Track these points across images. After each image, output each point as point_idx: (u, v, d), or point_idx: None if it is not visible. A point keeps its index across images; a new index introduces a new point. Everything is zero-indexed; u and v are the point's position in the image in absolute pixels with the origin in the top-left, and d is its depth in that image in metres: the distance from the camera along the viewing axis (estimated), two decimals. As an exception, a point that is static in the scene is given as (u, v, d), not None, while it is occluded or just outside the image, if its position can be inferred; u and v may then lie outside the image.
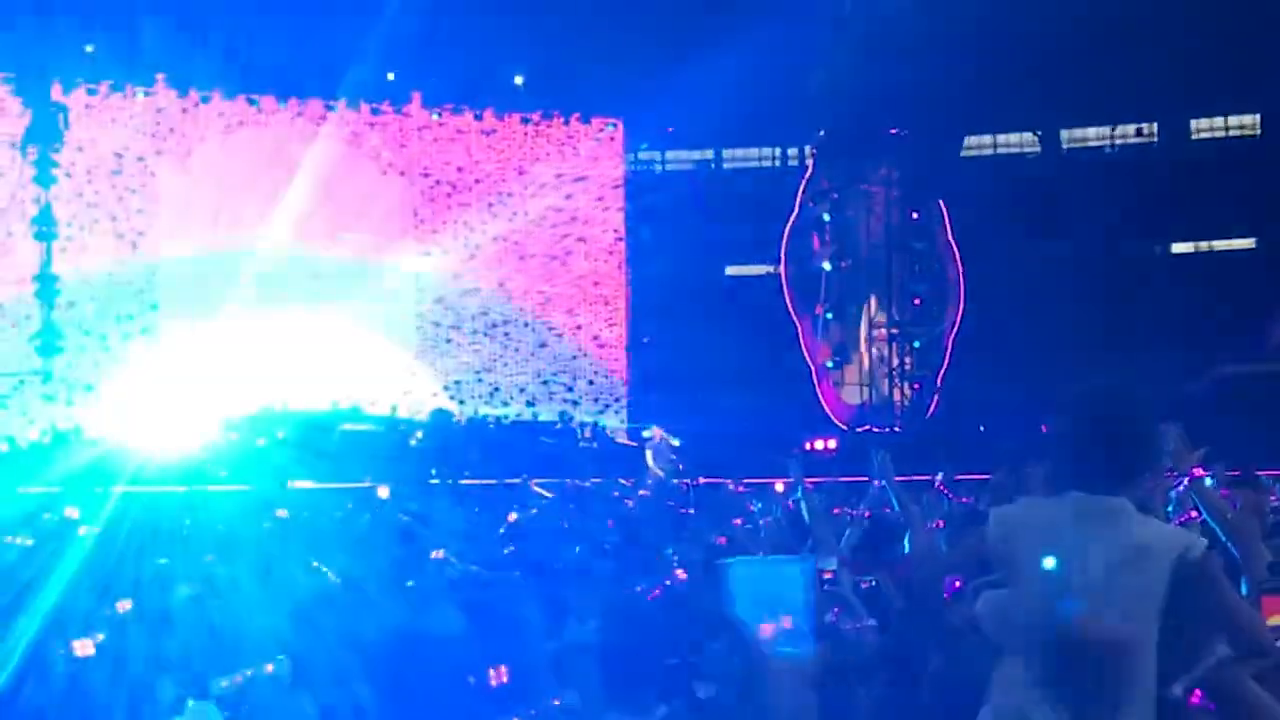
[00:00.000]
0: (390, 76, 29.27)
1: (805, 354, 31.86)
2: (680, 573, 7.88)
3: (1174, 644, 4.14)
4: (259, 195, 28.72)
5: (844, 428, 30.84)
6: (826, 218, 31.90)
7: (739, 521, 10.92)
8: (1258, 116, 32.82)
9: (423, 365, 30.36)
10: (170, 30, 26.51)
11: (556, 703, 5.60)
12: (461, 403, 29.89)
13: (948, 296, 31.48)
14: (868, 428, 30.62)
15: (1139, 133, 33.46)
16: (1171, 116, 32.96)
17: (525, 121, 31.29)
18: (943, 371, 31.43)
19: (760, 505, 12.92)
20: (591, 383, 31.65)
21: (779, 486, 14.17)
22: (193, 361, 27.27)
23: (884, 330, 31.77)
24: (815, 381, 31.86)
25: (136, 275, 27.96)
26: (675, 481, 19.60)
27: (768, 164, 34.97)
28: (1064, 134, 33.83)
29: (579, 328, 31.66)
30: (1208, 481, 6.13)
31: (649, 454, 24.07)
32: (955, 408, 30.26)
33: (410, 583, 7.26)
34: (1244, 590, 5.20)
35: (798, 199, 32.08)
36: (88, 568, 7.32)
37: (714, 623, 6.18)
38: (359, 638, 6.26)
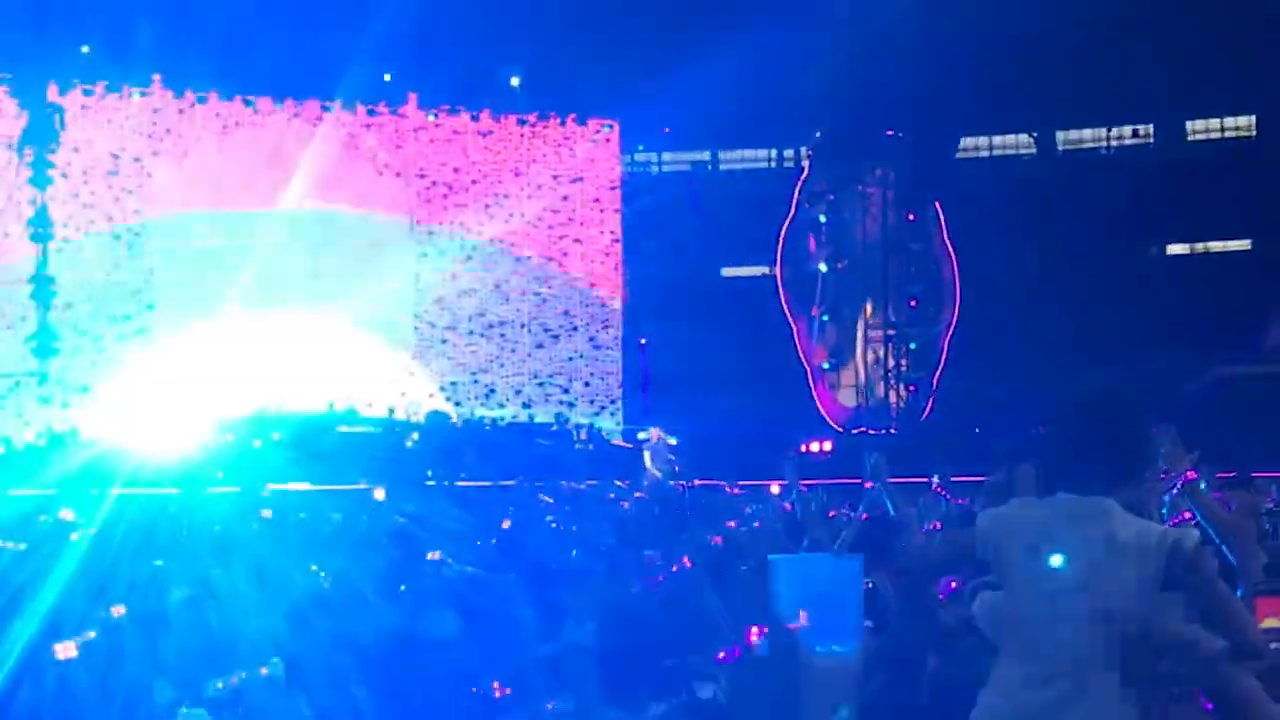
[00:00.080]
0: (387, 77, 29.26)
1: (801, 355, 31.88)
2: (686, 561, 7.90)
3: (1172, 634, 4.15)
4: (255, 196, 28.71)
5: (839, 429, 30.84)
6: (823, 219, 31.93)
7: (733, 524, 10.92)
8: (1253, 118, 32.85)
9: (419, 366, 30.34)
10: (166, 31, 26.51)
11: (550, 706, 5.60)
12: (458, 404, 29.87)
13: (943, 298, 31.50)
14: (863, 429, 30.63)
15: (1135, 134, 33.49)
16: (1167, 118, 32.99)
17: (522, 123, 31.27)
18: (938, 373, 31.44)
19: (756, 507, 12.93)
20: (587, 384, 31.64)
21: (774, 488, 14.19)
22: (189, 363, 27.24)
23: (880, 332, 31.78)
24: (811, 383, 31.87)
25: (132, 276, 27.91)
26: (672, 483, 19.60)
27: (764, 165, 34.96)
28: (1060, 135, 33.85)
29: (575, 329, 31.64)
30: (1202, 484, 6.12)
31: (647, 455, 24.06)
32: (951, 409, 30.26)
33: (404, 586, 7.25)
34: (1239, 592, 5.21)
35: (794, 200, 32.10)
36: (83, 570, 7.31)
37: (717, 622, 6.19)
38: (354, 640, 6.26)
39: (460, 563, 8.21)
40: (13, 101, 26.96)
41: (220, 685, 5.74)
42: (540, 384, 31.25)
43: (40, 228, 26.94)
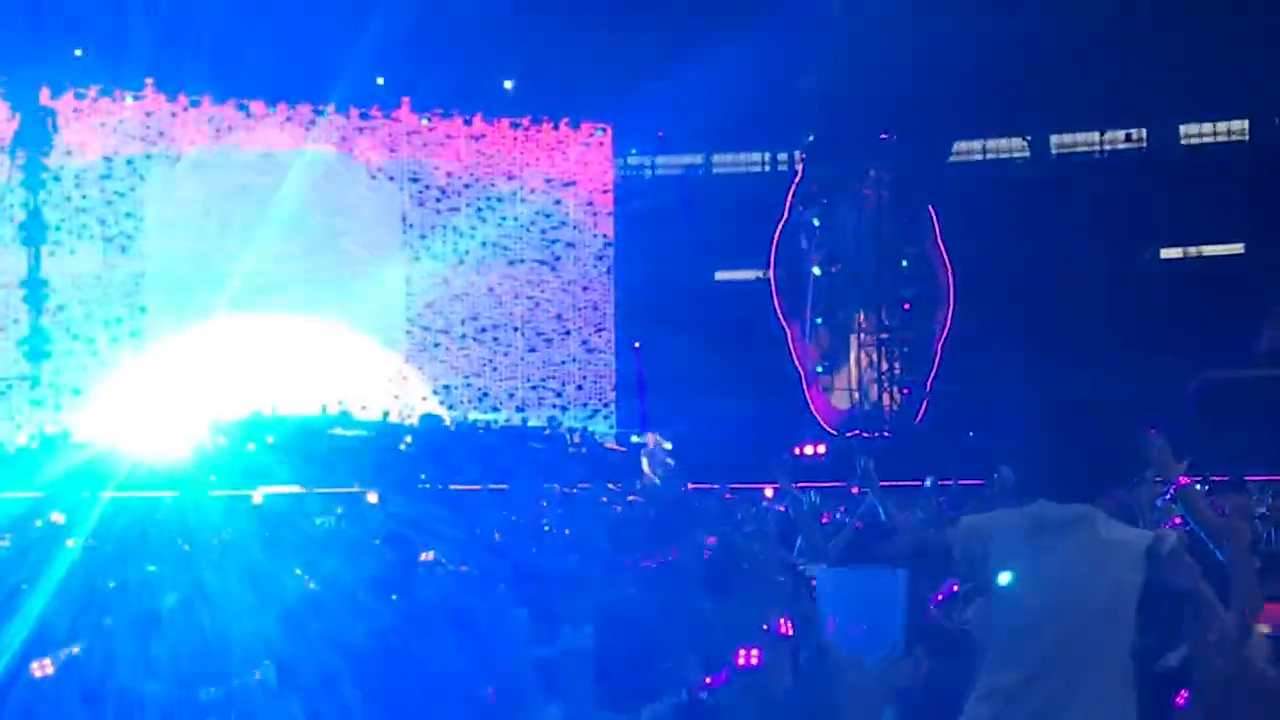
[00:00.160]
0: (380, 81, 29.24)
1: (795, 359, 31.89)
2: (675, 553, 7.89)
3: (1161, 626, 4.16)
4: (248, 199, 28.69)
5: (833, 433, 30.86)
6: (816, 223, 31.94)
7: (728, 528, 10.90)
8: (1246, 122, 32.92)
9: (413, 370, 30.33)
10: (159, 34, 26.46)
11: (546, 710, 5.60)
12: (451, 408, 29.87)
13: (937, 301, 31.52)
14: (857, 432, 30.64)
15: (1128, 138, 33.54)
16: (1161, 122, 33.05)
17: (515, 126, 31.28)
18: (932, 376, 31.46)
19: (751, 510, 12.93)
20: (580, 388, 31.64)
21: (768, 492, 14.20)
22: (181, 366, 27.24)
23: (873, 335, 31.80)
24: (805, 386, 31.87)
25: (125, 279, 27.90)
26: (666, 487, 19.60)
27: (757, 169, 34.99)
28: (1053, 139, 33.90)
29: (568, 333, 31.65)
30: (1194, 490, 6.12)
31: (644, 460, 24.06)
32: (944, 413, 30.28)
33: (396, 594, 7.24)
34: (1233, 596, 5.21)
35: (787, 204, 32.11)
36: (73, 574, 7.29)
37: (710, 628, 6.18)
38: (347, 643, 6.25)
39: (453, 563, 8.22)
40: (5, 104, 26.96)
41: (212, 690, 5.73)
42: (533, 387, 31.26)
43: (33, 231, 26.92)
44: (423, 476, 20.09)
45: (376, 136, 30.25)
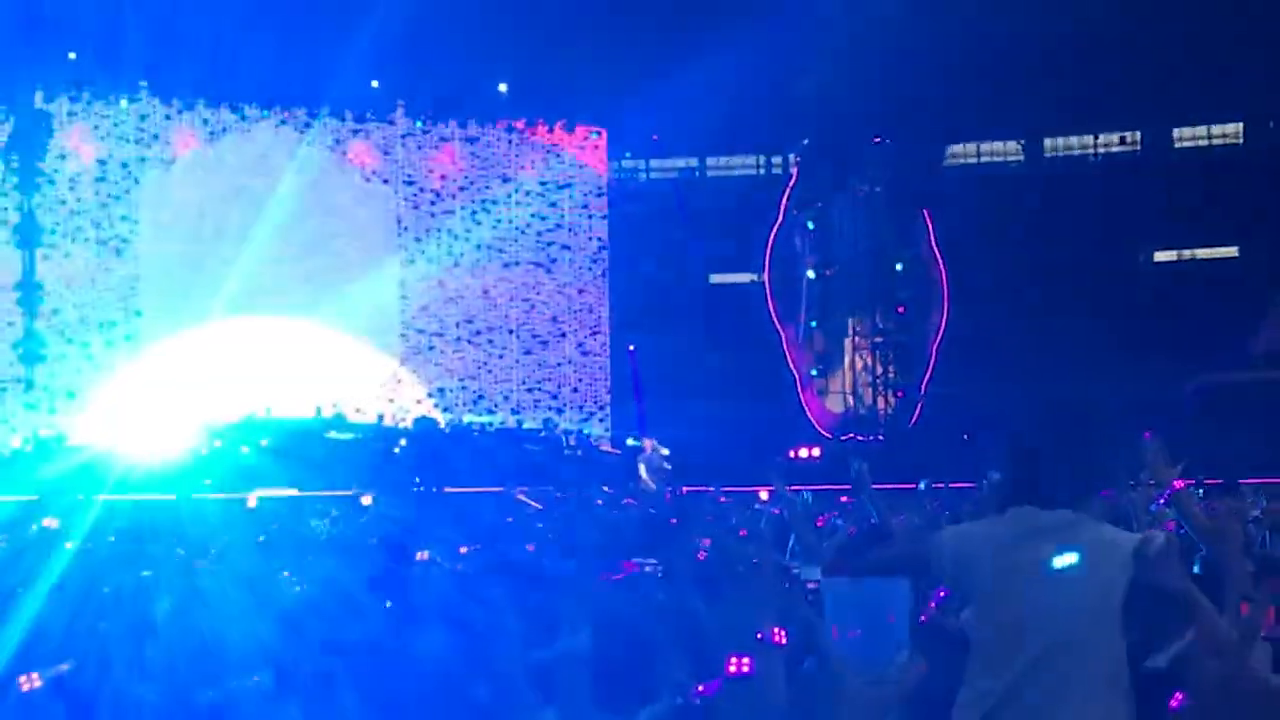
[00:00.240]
0: (374, 84, 29.24)
1: (789, 362, 31.91)
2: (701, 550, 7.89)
3: (1151, 625, 4.16)
4: (242, 202, 28.68)
5: (828, 436, 30.88)
6: (811, 226, 31.97)
7: (722, 531, 10.90)
8: (1240, 125, 32.96)
9: (408, 373, 30.33)
10: (154, 38, 26.46)
11: (542, 714, 5.60)
12: (446, 411, 29.86)
13: (931, 305, 31.55)
14: (851, 435, 30.66)
15: (1122, 141, 33.57)
16: (1154, 125, 33.08)
17: (509, 130, 31.28)
18: (926, 380, 31.49)
19: (746, 513, 12.94)
20: (576, 390, 31.64)
21: (763, 495, 14.21)
22: (176, 369, 27.24)
23: (868, 338, 31.82)
24: (799, 390, 31.90)
25: (120, 282, 27.87)
26: (665, 491, 19.62)
27: (751, 172, 35.01)
28: (1047, 142, 33.93)
29: (563, 335, 31.64)
30: (1189, 493, 6.13)
31: (641, 466, 24.06)
32: (939, 416, 30.30)
33: (393, 594, 7.24)
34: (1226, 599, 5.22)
35: (782, 207, 32.14)
36: (66, 578, 7.28)
37: (704, 632, 6.18)
38: (343, 647, 6.25)
39: (449, 562, 8.22)
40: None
41: (208, 694, 5.73)
42: (528, 390, 31.26)
43: (27, 234, 26.91)
44: (417, 479, 20.13)
45: (371, 139, 30.25)
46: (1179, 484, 5.74)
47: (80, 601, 6.75)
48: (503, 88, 30.81)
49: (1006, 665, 4.15)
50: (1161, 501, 6.61)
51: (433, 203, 30.70)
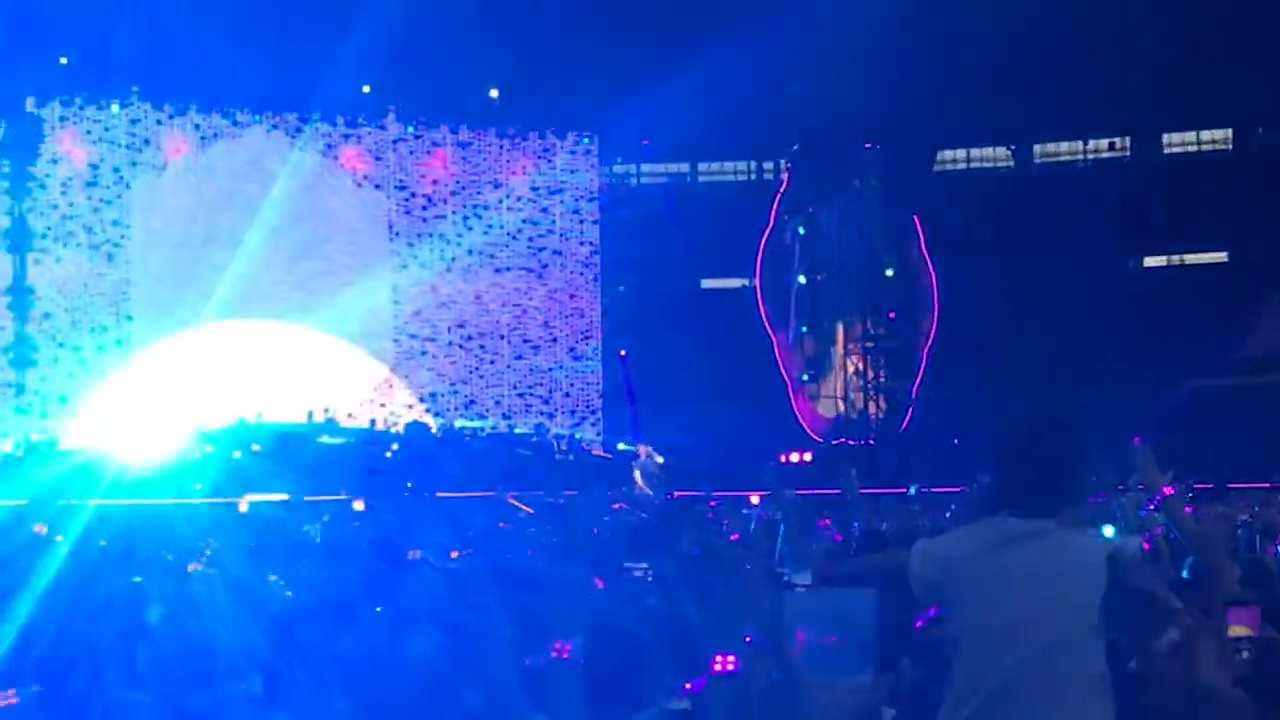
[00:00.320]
0: (366, 89, 29.24)
1: (781, 367, 31.93)
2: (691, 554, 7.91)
3: (1128, 628, 4.16)
4: (234, 207, 28.66)
5: (819, 440, 30.89)
6: (801, 231, 31.99)
7: (714, 535, 10.93)
8: (1229, 131, 33.04)
9: (399, 378, 30.31)
10: (145, 44, 26.45)
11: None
12: (438, 415, 29.85)
13: (922, 310, 31.57)
14: (842, 440, 30.67)
15: (1111, 147, 33.65)
16: (1144, 131, 33.15)
17: (501, 135, 31.27)
18: (917, 384, 31.51)
19: (737, 517, 12.97)
20: (567, 395, 31.64)
21: (754, 499, 14.23)
22: (168, 374, 27.20)
23: (858, 343, 31.84)
24: (791, 394, 31.92)
25: (111, 287, 27.84)
26: (653, 495, 19.64)
27: (743, 177, 35.06)
28: (1036, 148, 34.00)
29: (555, 340, 31.63)
30: (1178, 499, 6.16)
31: (637, 473, 24.07)
32: (930, 420, 30.33)
33: (385, 599, 7.25)
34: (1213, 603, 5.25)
35: (773, 212, 32.17)
36: (59, 583, 7.29)
37: (695, 636, 6.20)
38: (334, 652, 6.26)
39: (441, 561, 8.24)
40: (-9, 112, 26.97)
41: (200, 699, 5.73)
42: (520, 395, 31.24)
43: (18, 239, 26.89)
44: (409, 484, 20.14)
45: (363, 144, 30.26)
46: (1169, 490, 5.75)
47: (71, 607, 6.75)
48: (494, 93, 30.82)
49: (987, 674, 4.15)
50: (1151, 507, 6.63)
51: (424, 208, 30.70)
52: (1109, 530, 7.04)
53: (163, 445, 23.72)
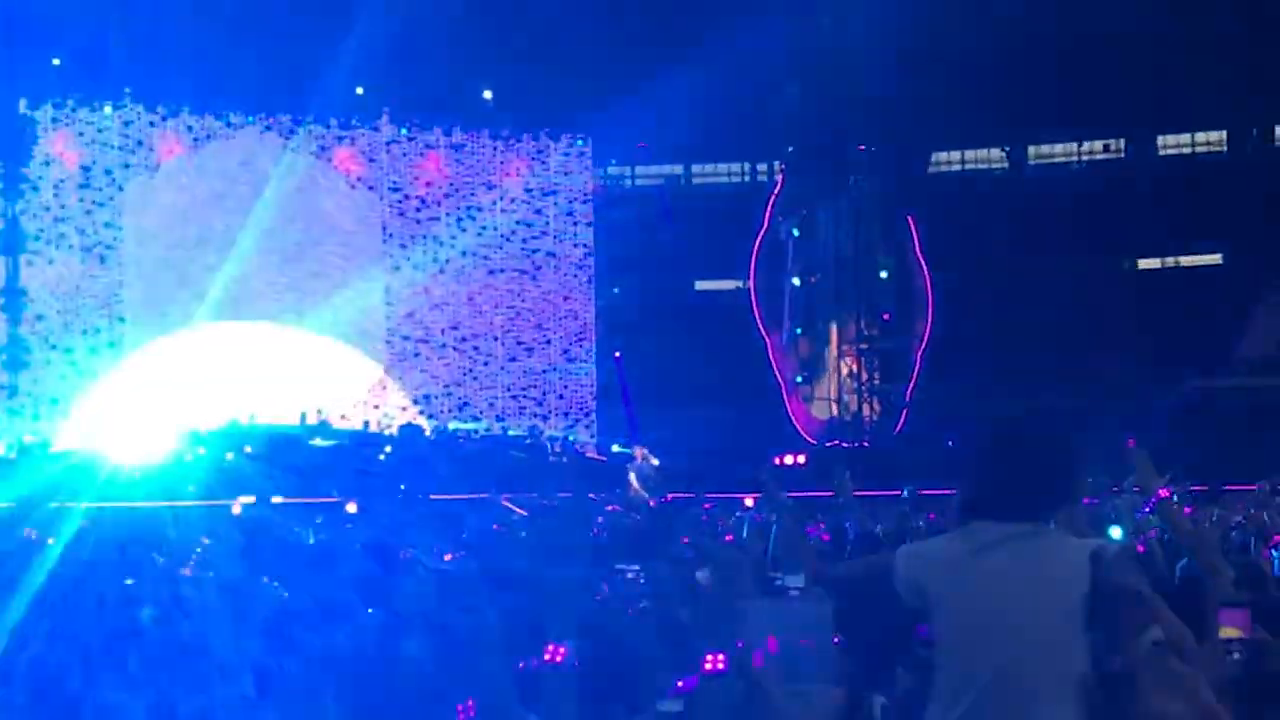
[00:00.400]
0: (359, 91, 29.21)
1: (775, 369, 31.92)
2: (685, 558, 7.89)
3: (1109, 627, 4.14)
4: (227, 209, 28.64)
5: (813, 442, 30.88)
6: (796, 233, 31.98)
7: (708, 537, 10.91)
8: (1224, 133, 33.07)
9: (392, 379, 30.29)
10: (138, 45, 26.44)
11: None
12: (431, 417, 29.82)
13: (916, 312, 31.57)
14: (837, 442, 30.66)
15: (1106, 149, 33.67)
16: (1138, 133, 33.18)
17: (495, 136, 31.26)
18: (911, 386, 31.51)
19: (730, 519, 12.96)
20: (561, 397, 31.63)
21: (748, 502, 14.22)
22: (161, 376, 27.17)
23: (853, 345, 31.83)
24: (785, 396, 31.91)
25: (104, 289, 27.81)
26: (652, 500, 19.62)
27: (737, 179, 35.06)
28: (1031, 150, 34.01)
29: (549, 342, 31.62)
30: (1173, 501, 6.15)
31: (632, 475, 24.05)
32: (924, 422, 30.32)
33: (377, 602, 7.24)
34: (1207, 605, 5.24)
35: (767, 214, 32.16)
36: (51, 586, 7.27)
37: (688, 639, 6.19)
38: (327, 654, 6.24)
39: (434, 560, 8.22)
40: (-16, 114, 26.93)
41: (192, 701, 5.72)
42: (514, 397, 31.23)
43: (11, 240, 26.85)
44: (402, 486, 20.10)
45: (356, 146, 30.24)
46: (1164, 492, 5.75)
47: (63, 608, 6.74)
48: (488, 95, 30.81)
49: (969, 677, 4.13)
50: (1147, 510, 6.63)
51: (418, 209, 30.68)
52: (1116, 531, 7.04)
53: (155, 447, 23.68)
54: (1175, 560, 6.92)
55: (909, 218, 31.66)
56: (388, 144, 30.43)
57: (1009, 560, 4.15)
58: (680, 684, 5.33)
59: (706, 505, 14.65)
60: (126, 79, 27.69)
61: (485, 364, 31.05)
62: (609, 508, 15.90)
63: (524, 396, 31.31)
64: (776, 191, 32.56)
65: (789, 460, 28.42)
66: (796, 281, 31.89)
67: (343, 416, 27.57)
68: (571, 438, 30.24)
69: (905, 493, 13.38)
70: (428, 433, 28.18)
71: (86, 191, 27.79)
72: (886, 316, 31.65)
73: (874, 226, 31.63)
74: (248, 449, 23.81)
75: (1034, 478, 4.23)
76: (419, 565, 8.09)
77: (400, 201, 30.56)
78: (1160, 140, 33.39)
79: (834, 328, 32.10)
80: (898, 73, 28.46)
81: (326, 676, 5.99)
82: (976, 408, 23.97)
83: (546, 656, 5.53)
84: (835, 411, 31.83)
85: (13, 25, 25.11)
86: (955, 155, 34.18)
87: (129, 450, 23.30)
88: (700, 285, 34.09)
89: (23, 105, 27.04)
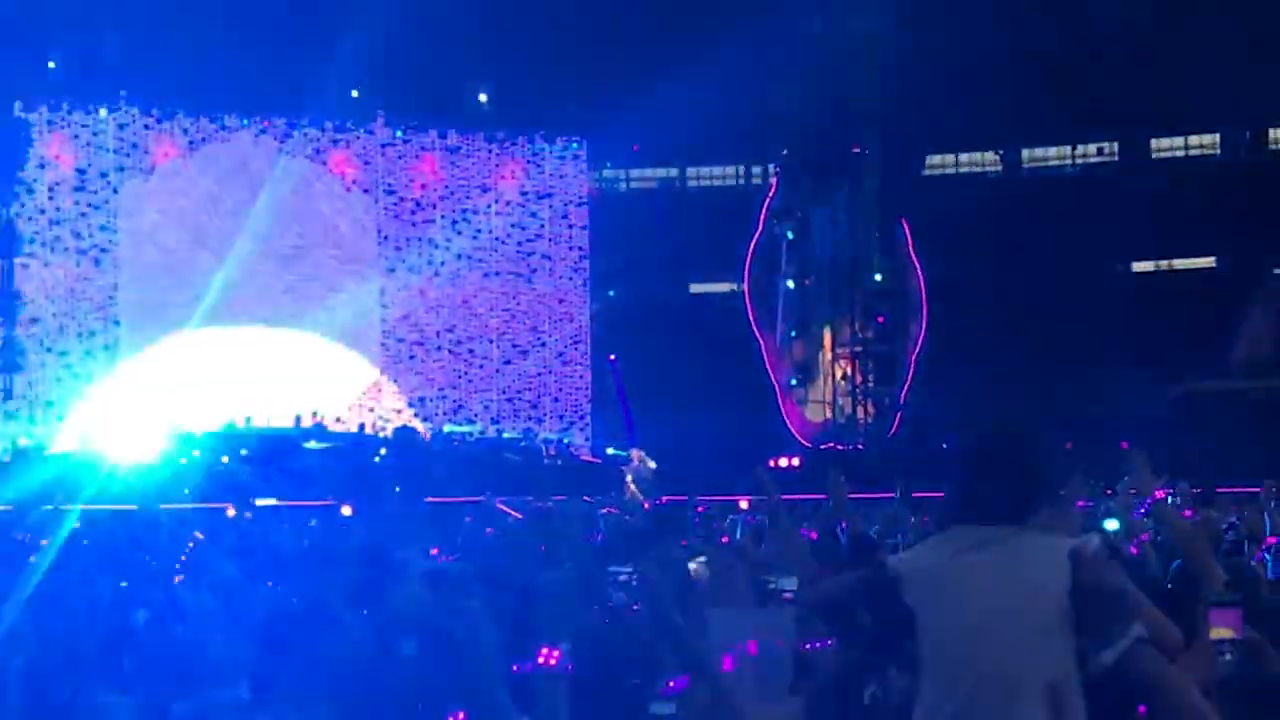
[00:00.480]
0: (355, 94, 29.21)
1: (769, 371, 31.93)
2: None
3: (1092, 625, 4.14)
4: (222, 212, 28.64)
5: (807, 445, 30.88)
6: (790, 236, 31.99)
7: (701, 539, 10.91)
8: (1217, 136, 33.11)
9: (388, 382, 30.28)
10: (133, 48, 26.43)
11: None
12: (426, 420, 29.82)
13: (911, 314, 31.59)
14: (831, 445, 30.67)
15: (1100, 152, 33.70)
16: (1132, 136, 33.20)
17: (490, 139, 31.27)
18: (905, 389, 31.53)
19: (725, 521, 12.95)
20: (556, 400, 31.63)
21: (743, 504, 14.21)
22: (156, 378, 27.16)
23: (847, 348, 31.84)
24: (779, 399, 31.91)
25: (99, 291, 27.80)
26: (647, 502, 19.60)
27: (731, 182, 35.07)
28: (1025, 153, 34.04)
29: (544, 345, 31.63)
30: (1169, 501, 6.16)
31: (628, 477, 24.04)
32: (918, 425, 30.33)
33: (371, 605, 7.24)
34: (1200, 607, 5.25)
35: (761, 217, 32.16)
36: (45, 587, 7.27)
37: (677, 649, 6.19)
38: (320, 658, 6.24)
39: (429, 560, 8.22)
40: (-22, 117, 26.92)
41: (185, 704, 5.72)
42: (509, 399, 31.24)
43: (6, 243, 26.84)
44: (397, 489, 20.11)
45: (351, 149, 30.24)
46: (1160, 494, 5.76)
47: (57, 611, 6.74)
48: (483, 98, 30.83)
49: (953, 680, 4.15)
50: (1142, 511, 6.64)
51: (413, 212, 30.69)
52: (1112, 523, 7.07)
53: (150, 450, 23.68)
54: (1168, 562, 6.95)
55: (903, 220, 31.68)
56: (383, 147, 30.44)
57: (988, 562, 4.17)
58: (672, 685, 5.34)
59: (700, 508, 14.63)
60: (122, 82, 27.70)
61: (480, 366, 31.06)
62: (604, 510, 15.88)
63: (519, 399, 31.32)
64: (771, 194, 32.56)
65: (783, 463, 28.42)
66: (791, 284, 31.90)
67: (338, 419, 27.55)
68: (566, 440, 30.24)
69: (897, 492, 13.36)
70: (423, 435, 28.19)
71: (82, 194, 27.79)
72: (881, 319, 31.68)
73: (868, 229, 31.66)
74: (243, 452, 23.81)
75: (1006, 480, 4.25)
76: (413, 568, 8.08)
77: (395, 204, 30.57)
78: (1154, 143, 33.43)
79: (828, 330, 32.14)
80: (892, 76, 28.49)
81: (321, 679, 5.99)
82: (970, 410, 24.02)
83: (540, 660, 5.54)
84: (829, 414, 31.85)
85: (8, 28, 25.10)
86: (949, 158, 34.20)
87: (124, 453, 23.29)
88: (695, 288, 34.11)
89: (18, 108, 27.03)
